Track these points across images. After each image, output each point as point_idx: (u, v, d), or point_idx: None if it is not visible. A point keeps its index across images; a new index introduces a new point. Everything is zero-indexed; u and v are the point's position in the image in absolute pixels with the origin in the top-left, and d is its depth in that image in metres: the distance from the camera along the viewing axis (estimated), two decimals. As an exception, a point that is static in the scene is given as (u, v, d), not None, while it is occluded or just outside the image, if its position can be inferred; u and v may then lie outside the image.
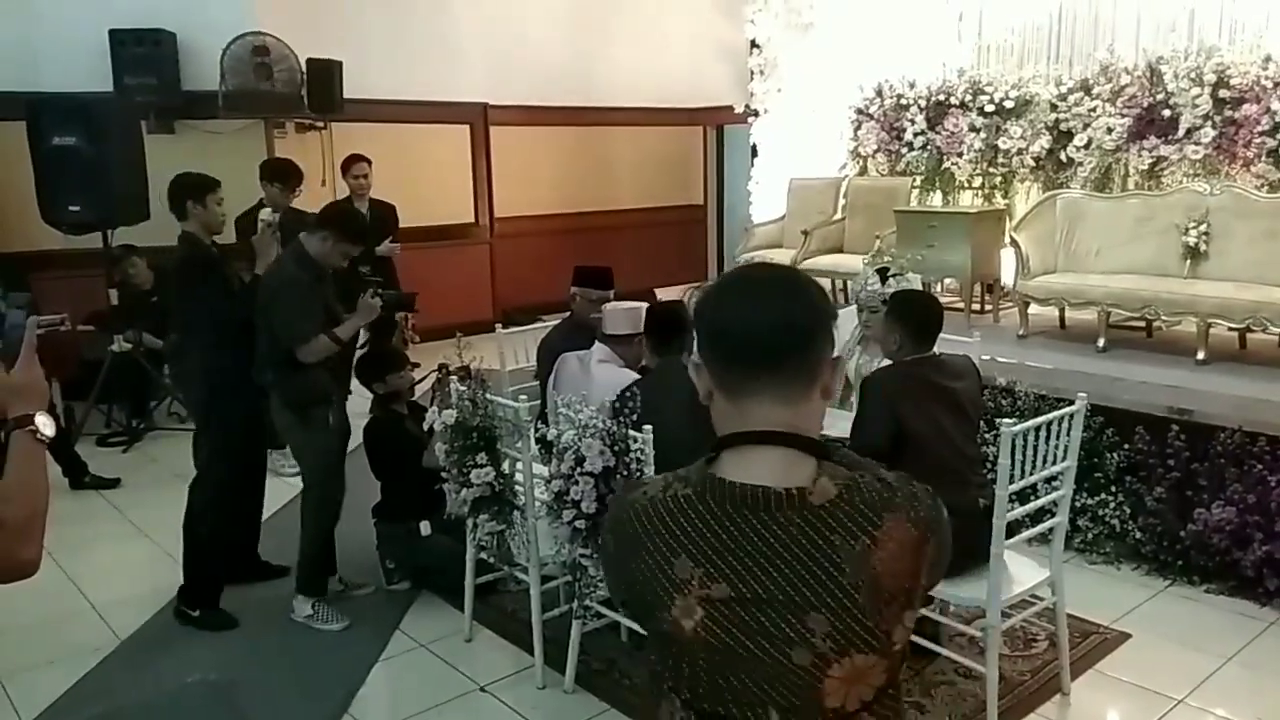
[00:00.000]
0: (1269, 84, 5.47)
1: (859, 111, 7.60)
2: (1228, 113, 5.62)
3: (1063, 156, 6.44)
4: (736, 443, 1.17)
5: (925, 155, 7.16)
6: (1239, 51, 5.76)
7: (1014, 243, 5.93)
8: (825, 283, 7.12)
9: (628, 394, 3.04)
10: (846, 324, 4.51)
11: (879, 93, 7.45)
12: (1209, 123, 5.68)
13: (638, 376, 3.44)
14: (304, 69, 7.33)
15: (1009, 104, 6.65)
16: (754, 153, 8.72)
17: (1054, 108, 6.44)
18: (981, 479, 3.13)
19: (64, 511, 4.41)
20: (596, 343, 3.81)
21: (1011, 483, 2.89)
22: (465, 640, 3.75)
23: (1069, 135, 6.38)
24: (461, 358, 3.63)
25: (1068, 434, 3.09)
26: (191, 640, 3.78)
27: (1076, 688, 3.27)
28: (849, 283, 6.44)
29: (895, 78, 7.39)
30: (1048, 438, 3.03)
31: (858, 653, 1.10)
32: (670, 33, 9.89)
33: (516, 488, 3.41)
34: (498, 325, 4.63)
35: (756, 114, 8.56)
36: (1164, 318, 5.31)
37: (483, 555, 3.60)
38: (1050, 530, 3.18)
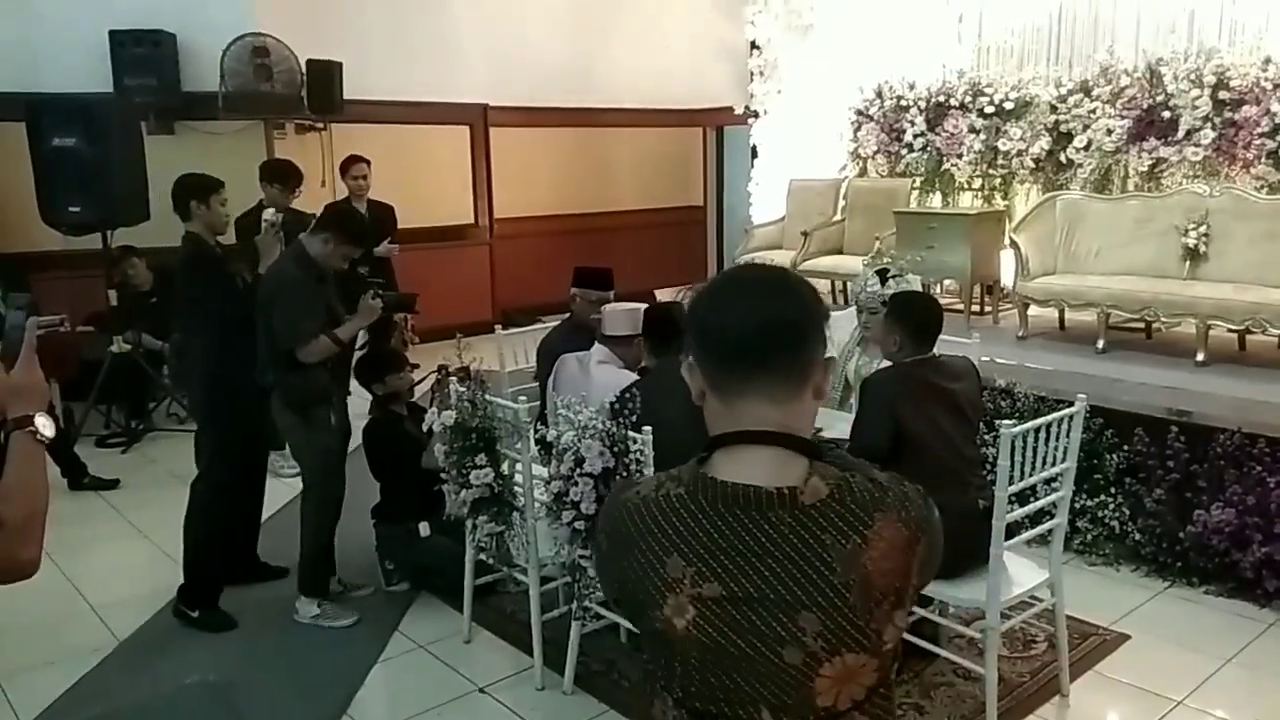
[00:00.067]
0: (1269, 86, 5.47)
1: (859, 113, 7.61)
2: (1227, 114, 5.62)
3: (1062, 158, 6.45)
4: (728, 442, 1.18)
5: (925, 157, 7.16)
6: (1239, 53, 5.76)
7: (1013, 244, 5.93)
8: (825, 284, 7.14)
9: (627, 395, 3.04)
10: (846, 325, 4.51)
11: (879, 94, 7.46)
12: (1209, 124, 5.69)
13: (637, 377, 3.44)
14: (304, 70, 7.33)
15: (1009, 105, 6.65)
16: (754, 154, 8.72)
17: (1054, 109, 6.45)
18: (981, 480, 3.13)
19: (63, 512, 4.41)
20: (596, 344, 3.81)
21: (1011, 484, 2.89)
22: (464, 641, 3.75)
23: (1069, 137, 6.38)
24: (461, 359, 3.63)
25: (1067, 435, 3.09)
26: (190, 641, 3.78)
27: (1076, 689, 3.27)
28: (849, 284, 6.45)
29: (895, 79, 7.39)
30: (1047, 439, 3.03)
31: (849, 652, 1.11)
32: (670, 34, 9.89)
33: (516, 489, 3.41)
34: (497, 326, 4.63)
35: (756, 115, 8.57)
36: (1163, 319, 5.31)
37: (482, 556, 3.59)
38: (1050, 532, 3.18)
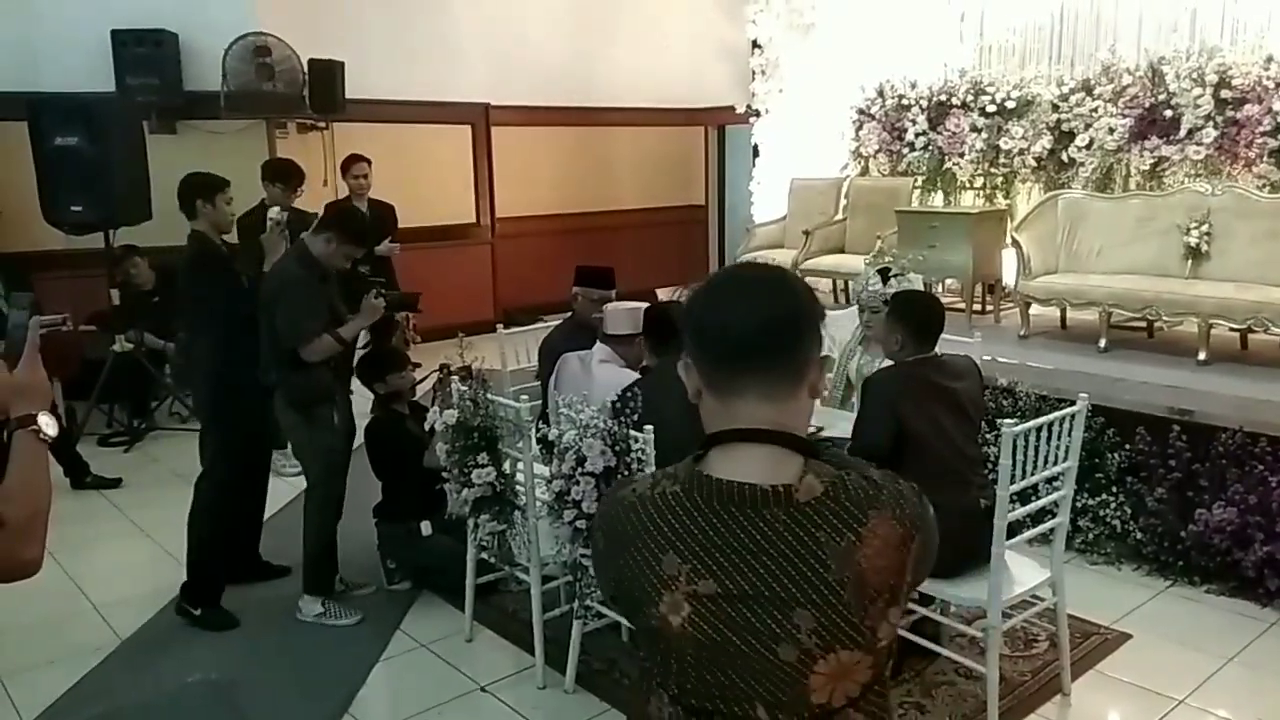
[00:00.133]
0: (1271, 84, 5.47)
1: (860, 112, 7.61)
2: (1229, 113, 5.62)
3: (1064, 157, 6.45)
4: (724, 440, 1.19)
5: (927, 155, 7.16)
6: (1241, 52, 5.76)
7: (1015, 243, 5.93)
8: (827, 283, 7.14)
9: (628, 394, 3.04)
10: (848, 324, 4.51)
11: (880, 93, 7.45)
12: (1210, 123, 5.68)
13: (638, 376, 3.44)
14: (305, 69, 7.33)
15: (1010, 104, 6.65)
16: (755, 153, 8.72)
17: (1055, 108, 6.45)
18: (982, 479, 3.13)
19: (65, 511, 4.41)
20: (598, 343, 3.81)
21: (1012, 483, 2.89)
22: (466, 640, 3.75)
23: (1070, 135, 6.38)
24: (463, 358, 3.64)
25: (1069, 434, 3.09)
26: (192, 640, 3.78)
27: (1077, 688, 3.27)
28: (850, 283, 6.45)
29: (897, 78, 7.39)
30: (1049, 438, 3.03)
31: (843, 649, 1.11)
32: (671, 33, 9.89)
33: (517, 488, 3.41)
34: (499, 325, 4.64)
35: (758, 114, 8.57)
36: (1165, 318, 5.31)
37: (484, 555, 3.60)
38: (1051, 531, 3.18)
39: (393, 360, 4.29)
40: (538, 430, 3.42)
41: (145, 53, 6.92)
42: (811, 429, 3.52)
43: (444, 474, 3.53)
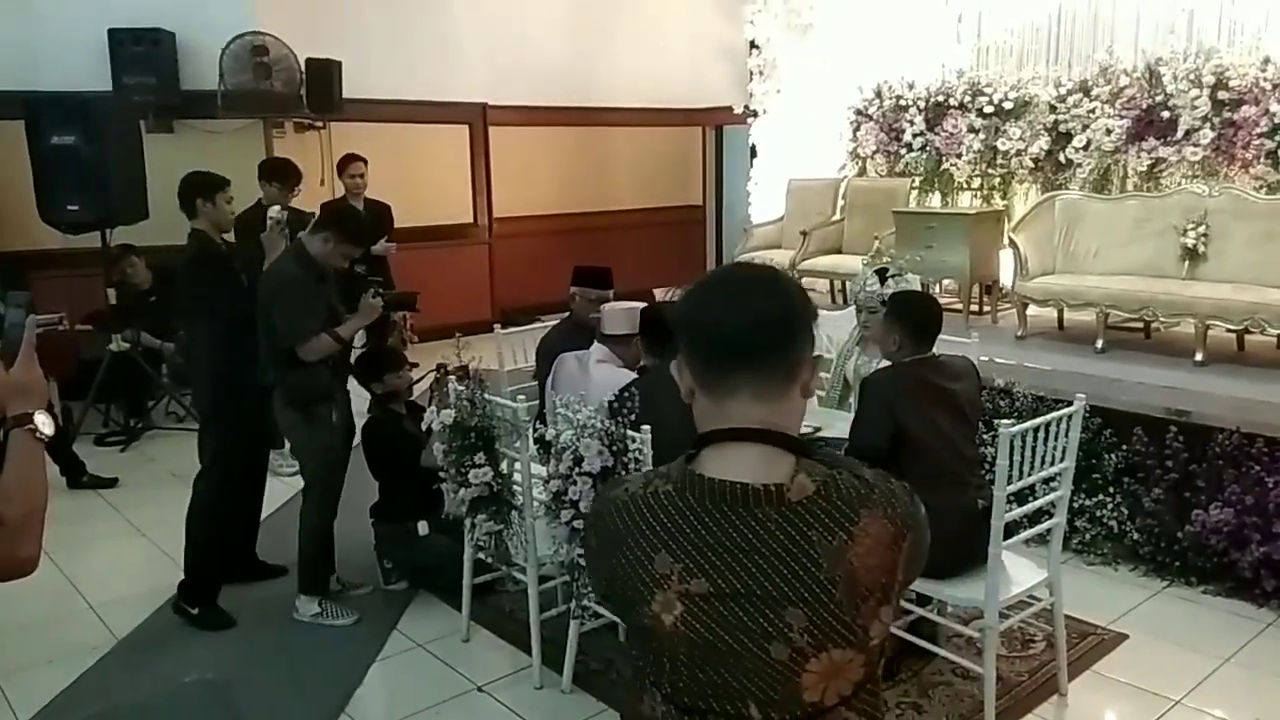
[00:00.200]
0: (1268, 86, 5.48)
1: (858, 112, 7.61)
2: (1226, 114, 5.63)
3: (1061, 158, 6.45)
4: (716, 440, 1.19)
5: (924, 156, 7.17)
6: (1238, 53, 5.77)
7: (1012, 244, 5.94)
8: (824, 283, 7.15)
9: (626, 394, 3.05)
10: (845, 325, 4.51)
11: (878, 94, 7.46)
12: (1208, 124, 5.69)
13: (636, 376, 3.44)
14: (303, 69, 7.33)
15: (1008, 105, 6.66)
16: (753, 153, 8.72)
17: (1053, 109, 6.46)
18: (980, 480, 3.13)
19: (61, 511, 4.40)
20: (595, 343, 3.81)
21: (1010, 484, 2.89)
22: (463, 640, 3.75)
23: (1068, 136, 6.38)
24: (460, 358, 3.63)
25: (1066, 435, 3.09)
26: (189, 640, 3.78)
27: (1074, 688, 3.28)
28: (848, 283, 6.46)
29: (894, 79, 7.40)
30: (1046, 439, 3.03)
31: (835, 647, 1.12)
32: (670, 33, 9.89)
33: (515, 488, 3.41)
34: (496, 325, 4.63)
35: (756, 114, 8.57)
36: (1162, 319, 5.31)
37: (480, 555, 3.60)
38: (1048, 531, 3.18)
39: (390, 360, 4.28)
40: (535, 430, 3.42)
41: (142, 52, 6.92)
42: (809, 429, 3.55)
43: (441, 474, 3.53)
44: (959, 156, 6.95)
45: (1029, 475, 3.02)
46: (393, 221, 6.78)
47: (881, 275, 4.18)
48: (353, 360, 4.30)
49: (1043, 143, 6.50)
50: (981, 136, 6.79)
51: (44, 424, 1.51)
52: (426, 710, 3.29)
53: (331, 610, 3.88)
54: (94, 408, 6.33)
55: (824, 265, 7.10)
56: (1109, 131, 6.13)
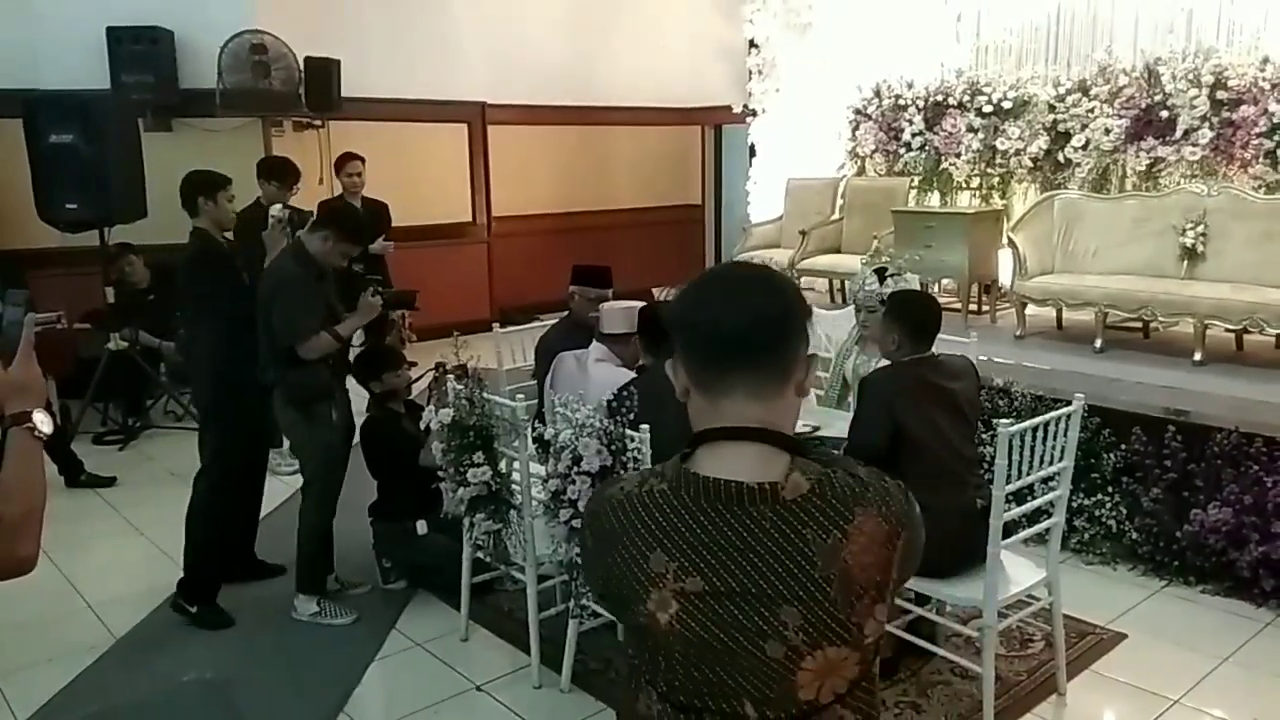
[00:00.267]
0: (1266, 85, 5.48)
1: (857, 112, 7.61)
2: (1225, 114, 5.63)
3: (1060, 157, 6.45)
4: (711, 439, 1.19)
5: (923, 156, 7.17)
6: (1236, 53, 5.77)
7: (1011, 243, 5.94)
8: (823, 283, 7.15)
9: (624, 393, 3.05)
10: (844, 324, 4.51)
11: (877, 93, 7.46)
12: (1206, 124, 5.69)
13: (634, 375, 3.44)
14: (302, 67, 7.32)
15: (1007, 105, 6.66)
16: (752, 152, 8.72)
17: (1052, 109, 6.45)
18: (979, 479, 3.13)
19: (60, 510, 4.40)
20: (594, 342, 3.81)
21: (1008, 483, 2.89)
22: (461, 639, 3.75)
23: (1067, 136, 6.38)
24: (459, 357, 3.63)
25: (1065, 434, 3.09)
26: (187, 639, 3.77)
27: (1072, 688, 3.28)
28: (846, 283, 6.46)
29: (893, 78, 7.40)
30: (1045, 438, 3.03)
31: (830, 645, 1.12)
32: (669, 33, 9.89)
33: (513, 487, 3.41)
34: (495, 324, 4.63)
35: (755, 114, 8.57)
36: (1161, 318, 5.31)
37: (479, 554, 3.60)
38: (1047, 531, 3.18)
39: (388, 359, 4.28)
40: (534, 429, 3.41)
41: (141, 50, 6.91)
42: (808, 428, 3.55)
43: (440, 473, 3.53)
44: (958, 156, 6.95)
45: (1028, 475, 3.02)
46: (390, 220, 6.77)
47: (880, 274, 4.18)
48: (351, 359, 4.31)
49: (1042, 142, 6.50)
50: (980, 136, 6.79)
51: (42, 422, 1.51)
52: (425, 709, 3.29)
53: (330, 609, 3.88)
54: (92, 406, 6.32)
55: (823, 264, 7.10)
56: (1108, 131, 6.13)
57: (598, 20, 9.58)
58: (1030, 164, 6.62)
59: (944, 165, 7.08)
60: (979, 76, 6.95)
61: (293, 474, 4.83)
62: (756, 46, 8.43)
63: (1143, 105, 5.98)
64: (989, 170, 6.88)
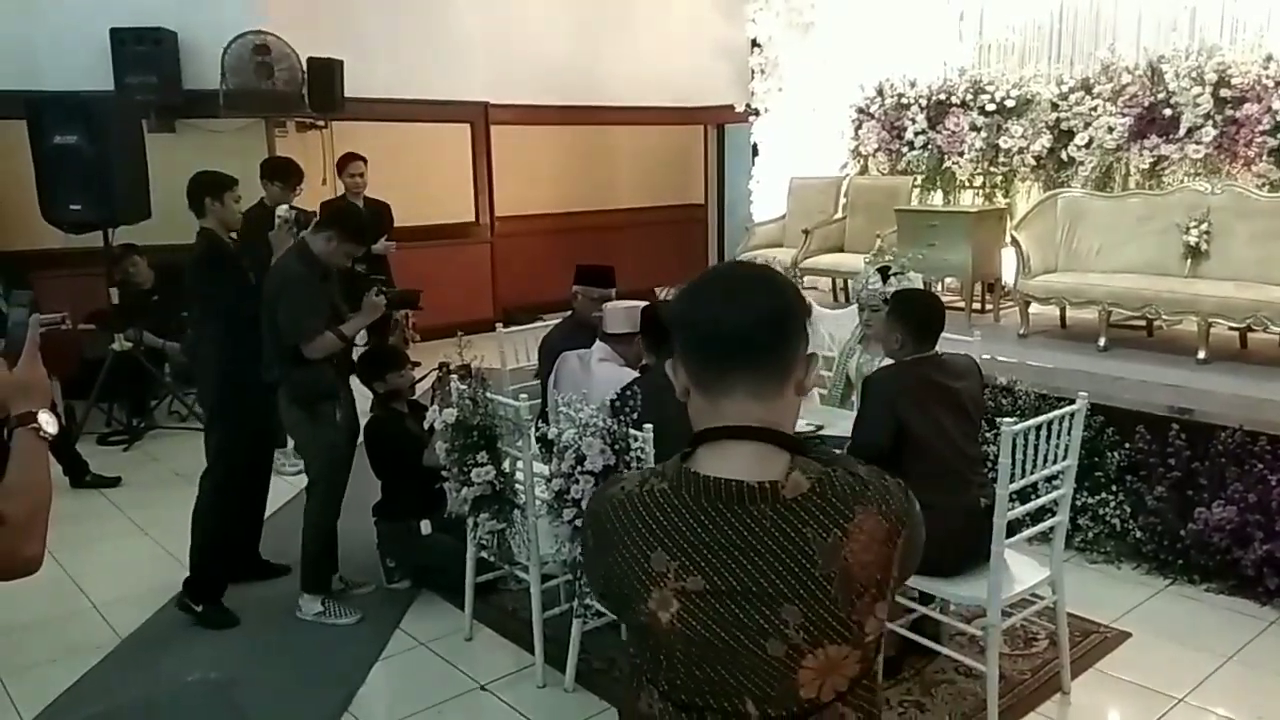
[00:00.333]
0: (1270, 83, 5.47)
1: (860, 110, 7.60)
2: (1229, 112, 5.62)
3: (1064, 155, 6.44)
4: (711, 438, 1.20)
5: (926, 154, 7.16)
6: (1240, 51, 5.76)
7: (1015, 242, 5.93)
8: (826, 282, 7.14)
9: (628, 392, 3.05)
10: (847, 323, 4.51)
11: (880, 92, 7.45)
12: (1210, 122, 5.68)
13: (637, 375, 3.44)
14: (305, 68, 7.33)
15: (1010, 103, 6.65)
16: (755, 152, 8.72)
17: (1055, 107, 6.45)
18: (982, 478, 3.13)
19: (65, 510, 4.40)
20: (597, 341, 3.81)
21: (1012, 482, 2.89)
22: (465, 639, 3.75)
23: (1070, 134, 6.38)
24: (462, 356, 3.64)
25: (1068, 433, 3.09)
26: (192, 639, 3.78)
27: (1077, 687, 3.28)
28: (850, 282, 6.45)
29: (896, 77, 7.39)
30: (1048, 437, 3.03)
31: (830, 643, 1.12)
32: (671, 32, 9.89)
33: (517, 486, 3.41)
34: (498, 324, 4.64)
35: (757, 113, 8.56)
36: (1165, 317, 5.31)
37: (483, 554, 3.60)
38: (1051, 529, 3.18)
39: (392, 359, 4.29)
40: (537, 429, 3.42)
41: (144, 51, 6.92)
42: (811, 427, 3.55)
43: (443, 473, 3.53)
44: (961, 155, 6.95)
45: (1031, 473, 3.01)
46: (392, 220, 6.78)
47: (884, 273, 4.18)
48: (355, 359, 4.31)
49: (1045, 141, 6.49)
50: (983, 134, 6.78)
51: (47, 423, 1.52)
52: (429, 709, 3.30)
53: (334, 609, 3.89)
54: (97, 407, 6.34)
55: (826, 264, 7.10)
56: (1111, 129, 6.12)
57: (600, 20, 9.58)
58: (1033, 162, 6.61)
59: (947, 164, 7.08)
60: (982, 75, 6.94)
61: (297, 474, 4.84)
62: (759, 46, 8.42)
63: (1146, 103, 5.97)
64: (992, 169, 6.88)
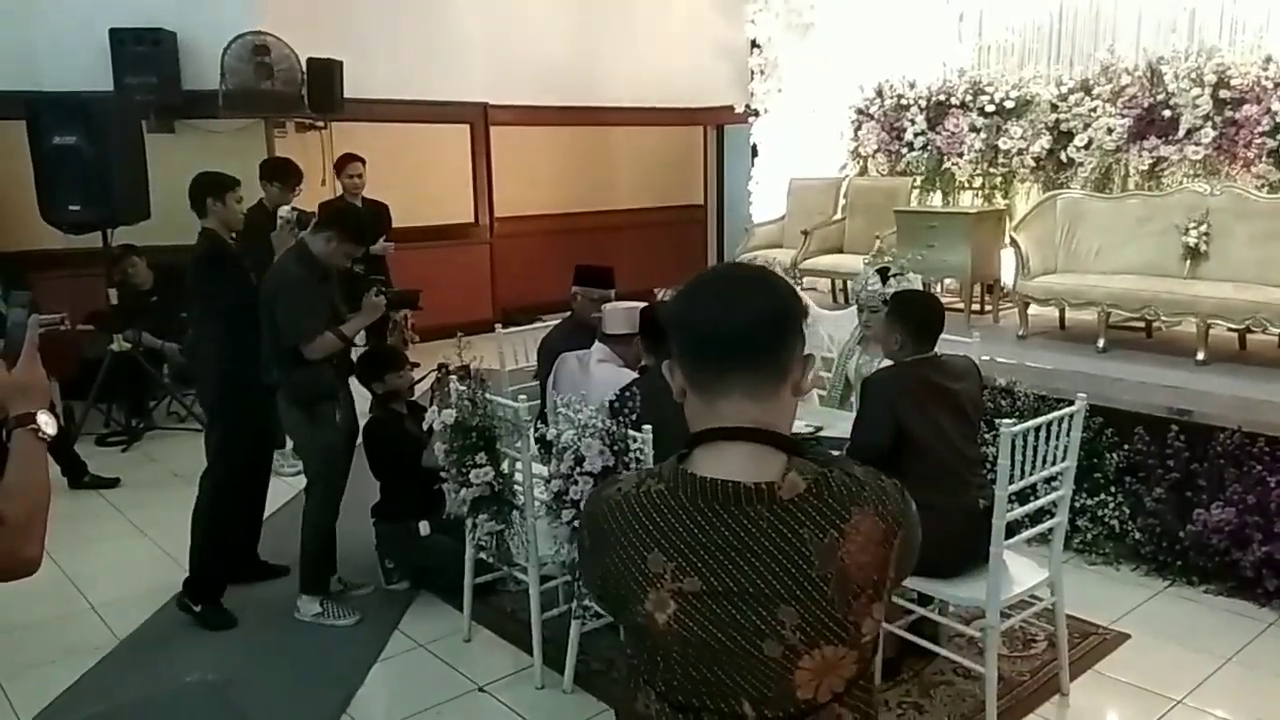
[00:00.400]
0: (1269, 84, 5.47)
1: (859, 111, 7.60)
2: (1228, 113, 5.62)
3: (1063, 157, 6.44)
4: (708, 439, 1.20)
5: (925, 155, 7.16)
6: (1239, 52, 5.76)
7: (1014, 243, 5.93)
8: (825, 283, 7.14)
9: (627, 393, 3.05)
10: (846, 324, 4.51)
11: (879, 93, 7.45)
12: (1209, 123, 5.68)
13: (637, 376, 3.44)
14: (304, 68, 7.33)
15: (1009, 104, 6.65)
16: (754, 153, 8.72)
17: (1054, 108, 6.45)
18: (981, 480, 3.13)
19: (63, 511, 4.40)
20: (596, 342, 3.81)
21: (1011, 483, 2.89)
22: (464, 640, 3.75)
23: (1069, 135, 6.38)
24: (461, 357, 3.63)
25: (1067, 434, 3.09)
26: (191, 640, 3.78)
27: (1075, 688, 3.28)
28: (849, 283, 6.45)
29: (895, 78, 7.39)
30: (1047, 438, 3.03)
31: (827, 644, 1.12)
32: (671, 32, 9.89)
33: (516, 487, 3.41)
34: (497, 325, 4.64)
35: (757, 114, 8.56)
36: (1164, 318, 5.31)
37: (482, 555, 3.60)
38: (1050, 531, 3.18)
39: (391, 360, 4.28)
40: (536, 430, 3.42)
41: (144, 52, 6.92)
42: (810, 429, 3.55)
43: (442, 474, 3.53)
44: (960, 156, 6.94)
45: (1030, 475, 3.01)
46: (391, 221, 6.78)
47: (883, 274, 4.18)
48: (354, 360, 4.31)
49: (1044, 142, 6.49)
50: (983, 135, 6.78)
51: (46, 424, 1.52)
52: (428, 710, 3.29)
53: (333, 610, 3.88)
54: (95, 408, 6.33)
55: (825, 265, 7.10)
56: (1110, 130, 6.12)
57: (600, 21, 9.58)
58: (1033, 163, 6.60)
59: (946, 165, 7.07)
60: (981, 76, 6.94)
61: (296, 474, 4.84)
62: (758, 46, 8.42)
63: (1145, 104, 5.97)
64: (991, 170, 6.88)
